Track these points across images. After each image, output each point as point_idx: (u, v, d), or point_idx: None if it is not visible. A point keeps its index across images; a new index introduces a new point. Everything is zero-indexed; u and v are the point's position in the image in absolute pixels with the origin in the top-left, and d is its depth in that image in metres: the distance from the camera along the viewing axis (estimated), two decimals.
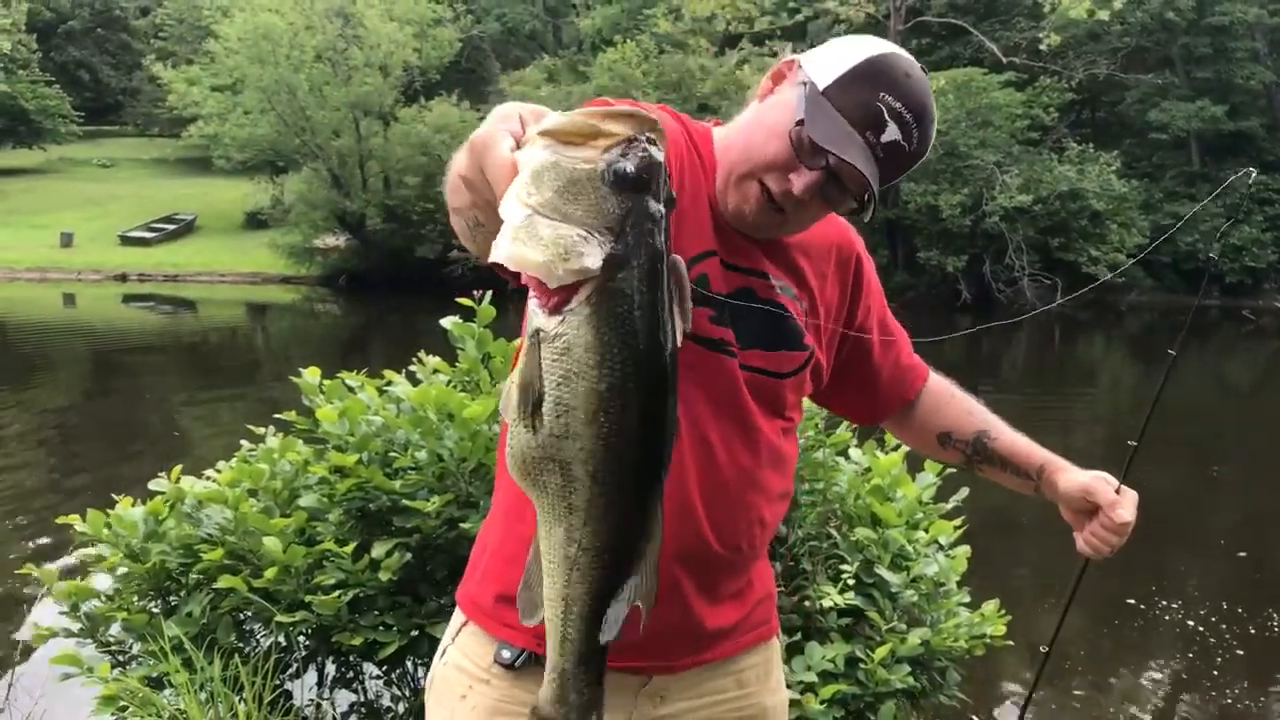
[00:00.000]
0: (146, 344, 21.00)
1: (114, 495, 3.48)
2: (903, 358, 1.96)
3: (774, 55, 25.60)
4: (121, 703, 3.17)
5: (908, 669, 3.18)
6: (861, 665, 3.17)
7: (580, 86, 27.05)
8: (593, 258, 1.03)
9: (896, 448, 3.62)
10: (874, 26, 27.14)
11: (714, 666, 1.67)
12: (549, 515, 1.14)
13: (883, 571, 3.32)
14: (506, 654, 1.55)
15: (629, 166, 1.04)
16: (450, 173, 1.22)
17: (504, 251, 1.03)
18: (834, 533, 3.39)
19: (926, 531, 3.58)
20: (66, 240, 33.30)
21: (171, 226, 36.43)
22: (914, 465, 3.62)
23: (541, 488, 1.12)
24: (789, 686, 3.04)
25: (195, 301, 28.08)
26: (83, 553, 3.59)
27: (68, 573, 3.63)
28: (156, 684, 3.22)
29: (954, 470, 3.64)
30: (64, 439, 12.04)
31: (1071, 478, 1.86)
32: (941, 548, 3.60)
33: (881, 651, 3.13)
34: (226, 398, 14.24)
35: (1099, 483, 1.83)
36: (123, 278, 30.68)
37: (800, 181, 1.50)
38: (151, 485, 3.47)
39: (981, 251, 25.93)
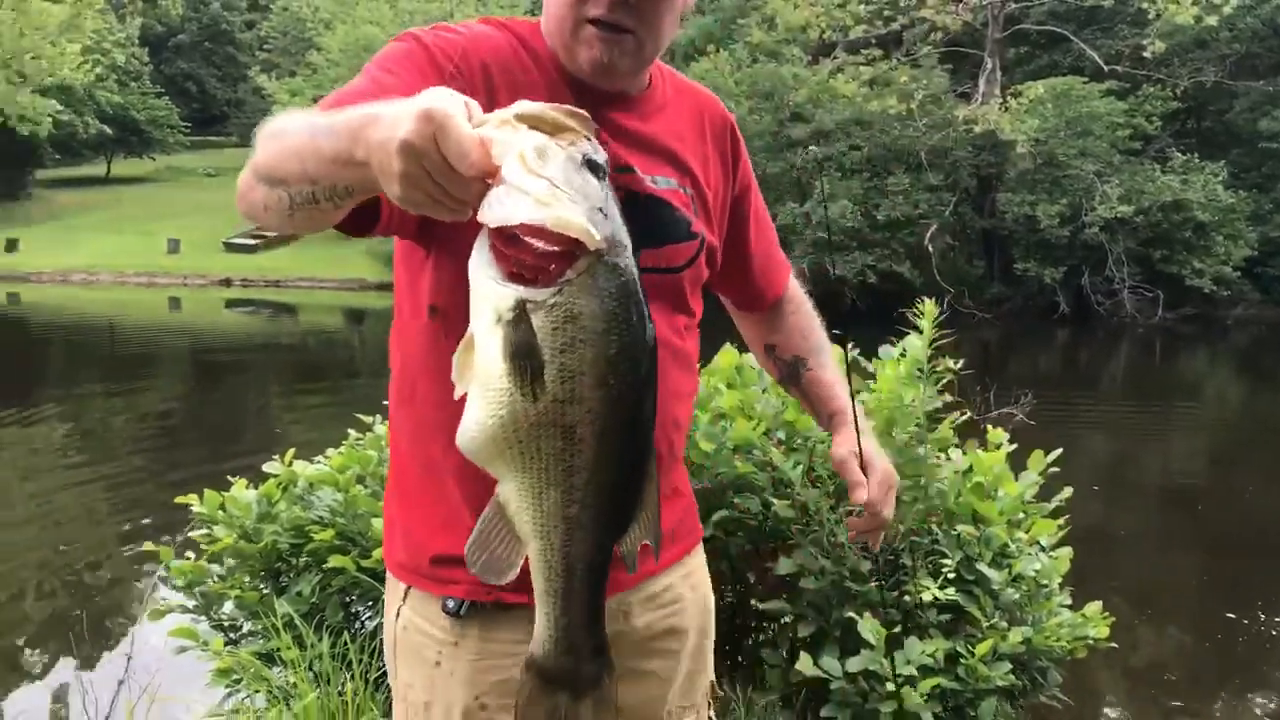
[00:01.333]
0: (248, 346, 21.56)
1: (230, 478, 3.60)
2: (774, 247, 1.97)
3: (869, 64, 25.43)
4: (235, 676, 3.28)
5: (1009, 667, 3.14)
6: (962, 661, 3.15)
7: None
8: (605, 230, 1.12)
9: (998, 446, 3.60)
10: (971, 34, 26.78)
11: (667, 572, 1.69)
12: (540, 480, 1.16)
13: (984, 568, 3.30)
14: (450, 604, 1.56)
15: (600, 159, 1.15)
16: (312, 137, 1.22)
17: (536, 214, 1.07)
18: (935, 529, 3.37)
19: (1028, 531, 3.54)
20: (173, 246, 34.34)
21: (273, 234, 37.22)
22: (1017, 464, 3.59)
23: (533, 454, 1.14)
24: (888, 680, 3.05)
25: (295, 306, 28.76)
26: (198, 533, 3.72)
27: (183, 552, 3.76)
28: (268, 659, 3.33)
29: (1056, 469, 3.63)
30: (169, 433, 12.43)
31: (838, 444, 1.86)
32: (1043, 548, 3.56)
33: (983, 648, 3.10)
34: (324, 399, 14.55)
35: (852, 460, 1.81)
36: (226, 282, 31.54)
37: None
38: (265, 468, 3.59)
39: (1080, 263, 25.36)
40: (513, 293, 1.10)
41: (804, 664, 3.15)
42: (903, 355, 3.48)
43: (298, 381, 17.04)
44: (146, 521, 7.87)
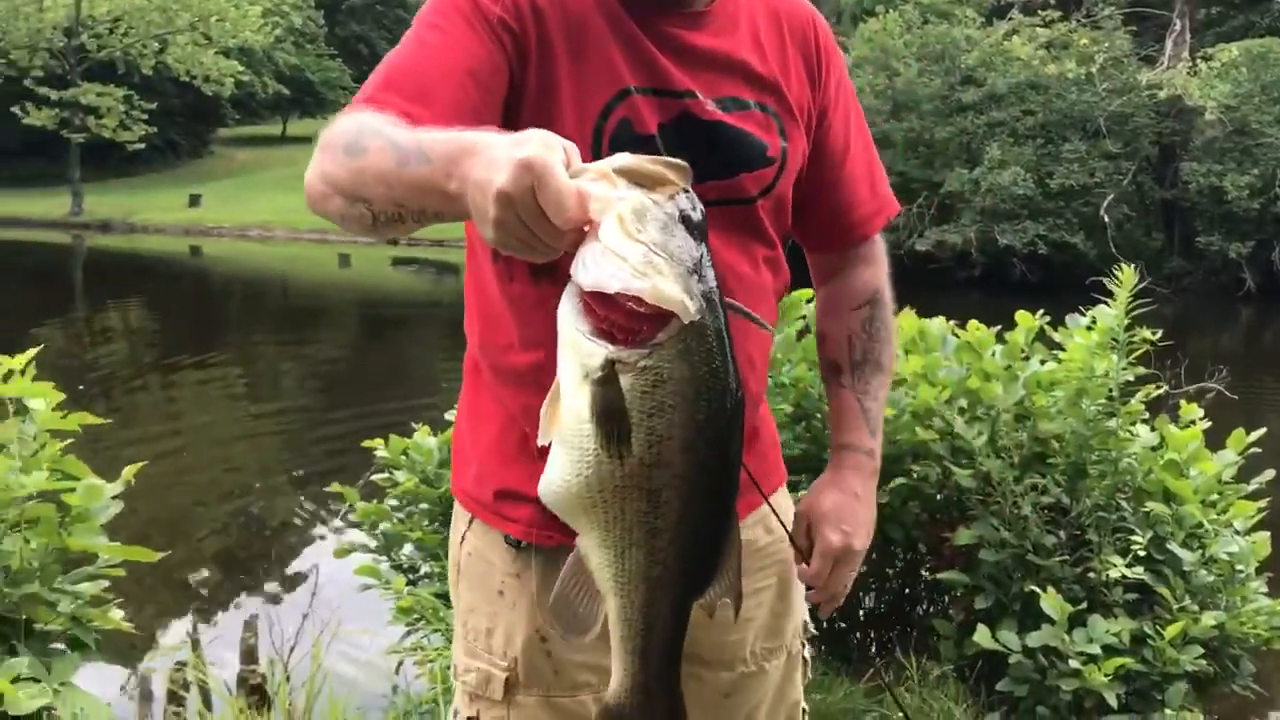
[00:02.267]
0: (413, 303, 22.22)
1: (414, 425, 3.72)
2: (867, 180, 1.70)
3: (1046, 25, 24.45)
4: (414, 615, 3.39)
5: (1199, 651, 3.01)
6: (1150, 643, 3.03)
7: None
8: (697, 295, 1.09)
9: (1193, 423, 3.43)
10: None
11: (747, 519, 1.57)
12: (623, 540, 1.15)
13: (1175, 548, 3.16)
14: (511, 539, 1.54)
15: (697, 216, 1.12)
16: (400, 165, 1.19)
17: (633, 283, 1.05)
18: (1123, 504, 3.24)
19: (1223, 513, 3.37)
20: None
21: None
22: (1214, 442, 3.42)
23: (616, 514, 1.13)
24: (1070, 657, 2.96)
25: (458, 266, 29.44)
26: (379, 476, 3.86)
27: (365, 495, 3.91)
28: (446, 600, 3.43)
29: (1258, 449, 3.45)
30: (339, 382, 12.94)
31: (813, 490, 1.64)
32: (1238, 532, 3.39)
33: (1173, 630, 2.98)
34: None
35: (801, 521, 1.61)
36: (394, 241, 32.50)
37: None
38: (448, 415, 3.68)
39: (1271, 237, 23.96)
40: (603, 351, 1.08)
41: (981, 636, 3.08)
42: (1092, 324, 3.34)
43: (462, 339, 17.49)
44: (322, 464, 8.22)
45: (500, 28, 1.39)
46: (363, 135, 1.26)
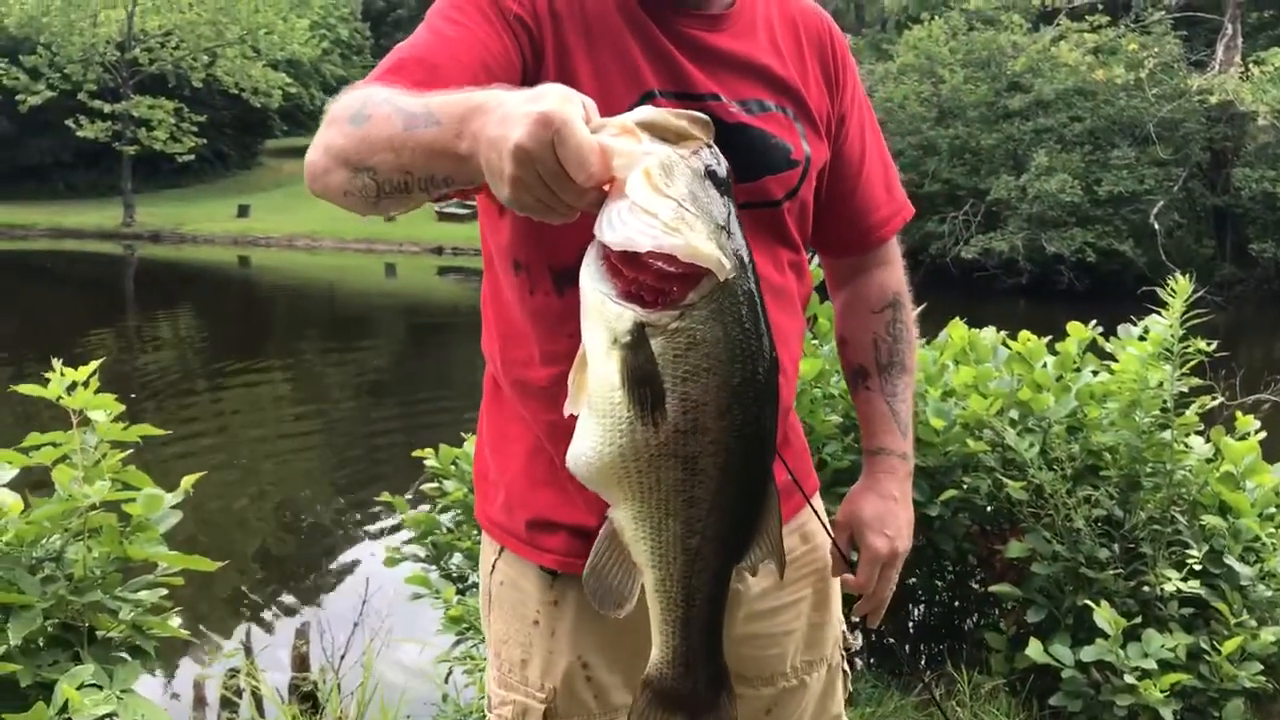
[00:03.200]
0: (459, 312, 22.35)
1: (463, 435, 3.74)
2: (883, 184, 1.69)
3: (1094, 31, 24.19)
4: (464, 624, 3.41)
5: (1259, 667, 2.97)
6: (1206, 658, 2.99)
7: (883, 65, 26.52)
8: (730, 253, 1.05)
9: (1248, 435, 3.38)
10: None
11: (785, 528, 1.54)
12: (659, 510, 1.11)
13: (1232, 562, 3.12)
14: (546, 571, 1.50)
15: (723, 172, 1.08)
16: (408, 126, 1.14)
17: (665, 240, 1.01)
18: (1178, 517, 3.20)
19: None
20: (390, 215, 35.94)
21: None
22: (1271, 454, 3.37)
23: (652, 484, 1.09)
24: (1125, 672, 2.93)
25: None
26: (428, 486, 3.89)
27: (414, 504, 3.94)
28: None
29: None
30: (386, 391, 13.05)
31: (850, 498, 1.65)
32: None
33: (1230, 645, 2.94)
34: None
35: (844, 531, 1.62)
36: (439, 250, 32.72)
37: None
38: None
39: None
40: (632, 314, 1.04)
41: (1034, 650, 3.05)
42: (1144, 335, 3.31)
43: None
44: (370, 473, 8.31)
45: (517, 25, 1.37)
46: (368, 104, 1.21)
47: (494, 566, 1.57)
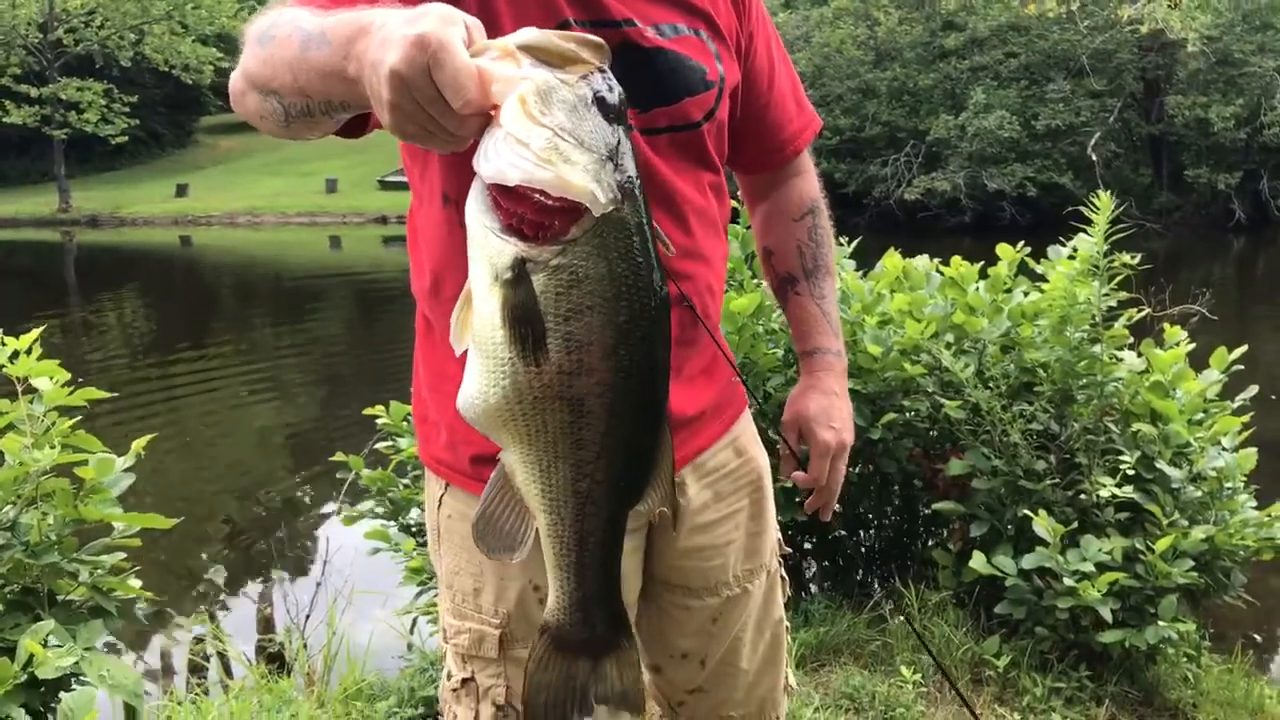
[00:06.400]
0: (405, 280, 22.20)
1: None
2: (791, 99, 1.73)
3: None
4: (425, 574, 3.47)
5: (1190, 564, 3.09)
6: (1142, 559, 3.11)
7: (819, 10, 26.51)
8: (610, 186, 1.00)
9: (1177, 344, 3.49)
10: None
11: (715, 446, 1.63)
12: (547, 454, 1.08)
13: (1163, 466, 3.23)
14: None
15: (614, 98, 1.03)
16: (303, 48, 1.11)
17: (534, 173, 0.97)
18: (1111, 427, 3.31)
19: (1209, 430, 3.44)
20: (331, 186, 35.48)
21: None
22: (1198, 362, 3.48)
23: (538, 427, 1.06)
24: (1064, 576, 3.04)
25: None
26: (383, 445, 3.92)
27: (369, 463, 3.97)
28: None
29: (1241, 366, 3.51)
30: (338, 361, 12.98)
31: (792, 398, 1.73)
32: (1225, 448, 3.46)
33: (1163, 544, 3.05)
34: None
35: (791, 429, 1.71)
36: (383, 220, 32.44)
37: None
38: None
39: (1259, 167, 23.97)
40: (512, 249, 0.99)
41: (977, 562, 3.15)
42: (1073, 254, 3.40)
43: None
44: (325, 438, 8.29)
45: None
46: (275, 25, 1.18)
47: (440, 502, 1.59)
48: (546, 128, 0.97)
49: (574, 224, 0.99)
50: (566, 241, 0.99)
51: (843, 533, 3.85)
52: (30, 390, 2.37)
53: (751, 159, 1.75)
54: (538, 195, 0.97)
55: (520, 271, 0.99)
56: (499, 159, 0.97)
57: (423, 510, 3.76)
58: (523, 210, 0.98)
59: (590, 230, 1.00)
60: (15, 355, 2.33)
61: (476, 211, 1.02)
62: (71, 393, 2.34)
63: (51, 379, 2.36)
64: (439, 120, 0.98)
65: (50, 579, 2.26)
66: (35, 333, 2.36)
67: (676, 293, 1.39)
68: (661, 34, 1.47)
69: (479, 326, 1.03)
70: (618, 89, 1.04)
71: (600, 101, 1.01)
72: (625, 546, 1.28)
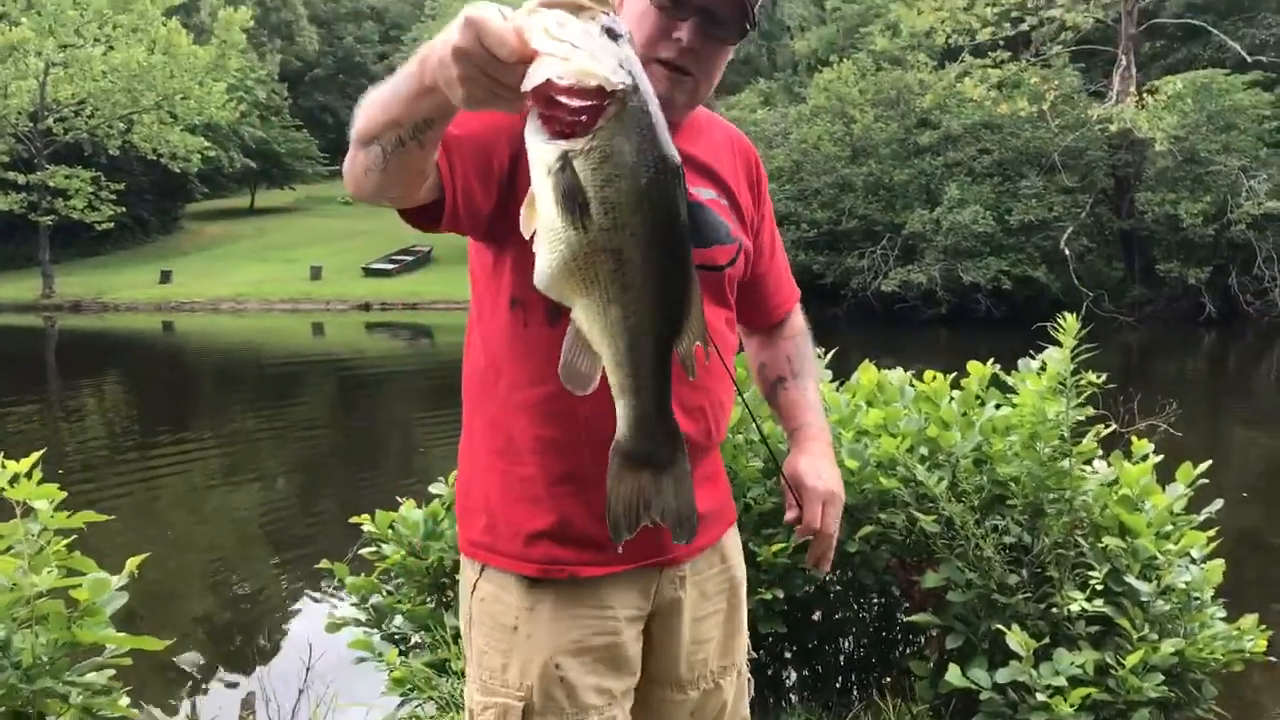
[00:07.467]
0: (390, 369, 22.27)
1: (398, 499, 3.83)
2: (785, 272, 2.14)
3: (997, 66, 24.99)
4: (408, 686, 3.49)
5: (1161, 678, 3.15)
6: (1113, 672, 3.17)
7: (796, 108, 27.09)
8: (624, 77, 1.26)
9: (1145, 458, 3.59)
10: (1103, 31, 26.11)
11: (708, 552, 1.90)
12: (601, 298, 1.34)
13: (1132, 580, 3.30)
14: (528, 579, 1.75)
15: (620, 29, 1.29)
16: (393, 88, 1.39)
17: (558, 68, 1.22)
18: (1081, 541, 3.39)
19: (1177, 543, 3.52)
20: (315, 273, 35.71)
21: (410, 258, 38.51)
22: (1164, 475, 3.58)
23: (591, 278, 1.32)
24: (1038, 690, 3.09)
25: (432, 328, 29.58)
26: (367, 550, 3.96)
27: (354, 569, 4.00)
28: (438, 669, 3.54)
29: (1206, 480, 3.61)
30: (320, 455, 12.96)
31: (787, 463, 2.00)
32: (1194, 560, 3.54)
33: (1133, 658, 3.12)
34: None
35: (804, 479, 1.95)
36: (366, 307, 32.63)
37: (685, 31, 1.70)
38: (431, 489, 3.81)
39: (1227, 262, 24.44)
40: (555, 148, 1.27)
41: (953, 675, 3.21)
42: (1042, 369, 3.51)
43: (438, 400, 17.53)
44: (307, 539, 8.27)
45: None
46: (364, 99, 1.47)
47: (474, 586, 1.81)
48: (565, 40, 1.24)
49: (599, 117, 1.25)
50: (595, 130, 1.26)
51: (820, 642, 3.90)
52: (29, 511, 2.43)
53: (746, 314, 2.08)
54: (564, 96, 1.23)
55: (565, 162, 1.27)
56: (533, 71, 1.23)
57: (405, 619, 3.82)
58: (560, 114, 1.24)
59: (613, 119, 1.26)
60: (15, 479, 2.39)
61: (530, 134, 1.28)
62: (70, 516, 2.40)
63: (50, 501, 2.41)
64: (496, 76, 1.23)
65: (41, 702, 2.30)
66: (34, 456, 2.42)
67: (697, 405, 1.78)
68: (700, 193, 1.83)
69: (541, 213, 1.31)
70: (623, 27, 1.30)
71: (608, 31, 1.28)
72: (628, 635, 1.74)
